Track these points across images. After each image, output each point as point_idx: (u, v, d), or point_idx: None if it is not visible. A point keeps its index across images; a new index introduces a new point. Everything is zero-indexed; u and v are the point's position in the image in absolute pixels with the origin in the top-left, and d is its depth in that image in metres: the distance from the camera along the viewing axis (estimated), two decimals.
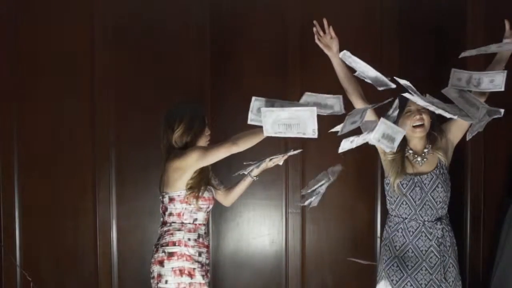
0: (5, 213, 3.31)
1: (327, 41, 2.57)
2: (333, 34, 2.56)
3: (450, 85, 2.36)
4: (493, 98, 2.49)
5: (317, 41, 2.58)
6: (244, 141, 2.47)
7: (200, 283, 2.53)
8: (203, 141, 2.64)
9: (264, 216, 3.38)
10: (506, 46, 2.34)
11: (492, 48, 2.34)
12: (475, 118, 2.26)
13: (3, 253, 3.30)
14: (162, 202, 2.61)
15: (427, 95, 2.42)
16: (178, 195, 2.54)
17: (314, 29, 2.58)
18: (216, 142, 2.66)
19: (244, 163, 2.67)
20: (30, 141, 3.31)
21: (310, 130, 2.12)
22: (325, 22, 2.56)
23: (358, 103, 2.62)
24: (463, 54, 2.40)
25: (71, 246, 3.34)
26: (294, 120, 2.16)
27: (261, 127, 2.38)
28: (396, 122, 2.59)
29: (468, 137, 2.35)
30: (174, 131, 2.58)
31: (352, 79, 2.60)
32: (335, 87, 3.24)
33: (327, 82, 3.30)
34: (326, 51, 2.58)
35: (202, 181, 2.56)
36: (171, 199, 2.56)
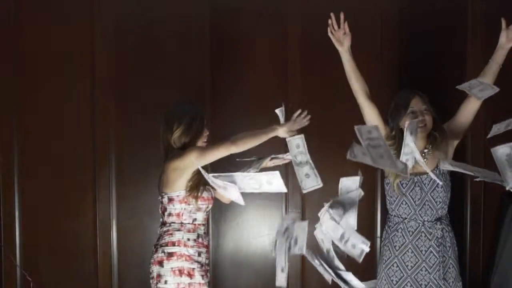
0: (5, 213, 3.31)
1: (340, 36, 2.56)
2: (347, 29, 2.55)
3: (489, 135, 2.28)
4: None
5: (329, 34, 2.58)
6: (244, 141, 2.46)
7: (199, 283, 2.53)
8: (200, 142, 2.64)
9: (264, 216, 3.38)
10: (487, 92, 2.30)
11: (474, 91, 2.30)
12: (506, 183, 2.14)
13: (3, 253, 3.31)
14: (161, 202, 2.61)
15: (441, 160, 2.37)
16: (177, 195, 2.54)
17: (329, 21, 2.57)
18: (215, 142, 2.66)
19: (238, 160, 2.65)
20: (30, 142, 3.31)
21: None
22: (341, 16, 2.55)
23: (364, 102, 2.62)
24: (458, 87, 2.38)
25: (71, 246, 3.34)
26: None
27: (262, 129, 2.48)
28: (398, 121, 2.59)
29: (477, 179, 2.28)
30: (173, 131, 2.58)
31: (360, 77, 2.59)
32: (335, 87, 3.27)
33: (327, 82, 3.32)
34: (337, 45, 2.58)
35: (201, 181, 2.55)
36: (170, 200, 2.56)
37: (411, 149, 2.09)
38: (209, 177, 1.85)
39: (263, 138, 2.51)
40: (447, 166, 2.25)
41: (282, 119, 2.60)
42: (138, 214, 3.34)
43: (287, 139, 2.16)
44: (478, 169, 2.23)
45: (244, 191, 1.88)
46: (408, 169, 1.98)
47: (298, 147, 2.17)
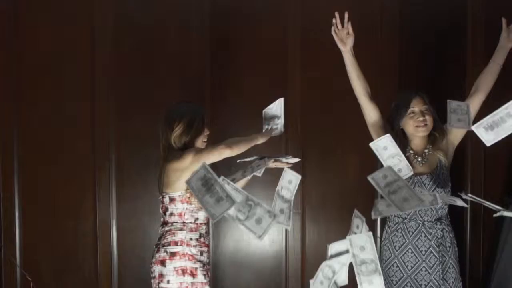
0: (5, 213, 3.31)
1: (343, 36, 2.56)
2: (350, 30, 2.55)
3: None
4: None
5: (333, 33, 2.57)
6: (238, 145, 2.45)
7: (202, 283, 2.53)
8: (200, 141, 2.63)
9: None
10: (461, 124, 2.18)
11: (453, 115, 2.20)
12: None
13: (3, 253, 3.31)
14: (162, 202, 2.60)
15: (466, 194, 2.32)
16: (179, 195, 2.54)
17: (333, 20, 2.56)
18: (215, 142, 2.66)
19: (238, 161, 2.63)
20: (30, 141, 3.31)
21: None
22: (345, 16, 2.54)
23: (365, 102, 2.63)
24: (449, 101, 2.31)
25: (71, 246, 3.34)
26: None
27: (257, 133, 2.45)
28: (399, 121, 2.59)
29: (496, 214, 2.24)
30: (173, 130, 2.57)
31: (361, 77, 2.59)
32: (334, 87, 3.27)
33: (327, 82, 3.32)
34: (340, 45, 2.57)
35: None
36: (172, 199, 2.56)
37: (398, 158, 2.03)
38: (219, 180, 1.79)
39: (253, 143, 2.50)
40: (467, 197, 2.21)
41: (278, 112, 2.57)
42: (138, 214, 3.34)
43: (285, 169, 2.13)
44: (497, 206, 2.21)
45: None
46: (438, 199, 1.94)
47: (290, 182, 2.13)
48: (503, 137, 1.98)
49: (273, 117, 2.61)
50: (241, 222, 1.76)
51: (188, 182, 1.79)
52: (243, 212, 1.76)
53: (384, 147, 2.02)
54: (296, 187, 2.09)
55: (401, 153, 1.99)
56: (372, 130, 2.68)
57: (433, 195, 1.92)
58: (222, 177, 1.80)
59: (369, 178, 1.82)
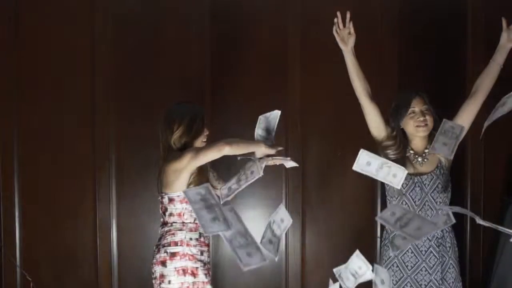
0: (5, 213, 3.31)
1: (344, 35, 2.56)
2: (352, 29, 2.55)
3: None
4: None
5: (334, 32, 2.57)
6: (238, 144, 2.35)
7: (203, 282, 2.53)
8: (200, 141, 2.62)
9: (264, 216, 3.38)
10: (444, 149, 2.07)
11: (441, 137, 2.10)
12: None
13: (3, 253, 3.31)
14: (162, 202, 2.60)
15: (480, 219, 2.29)
16: (178, 196, 2.54)
17: (335, 19, 2.56)
18: (211, 142, 2.65)
19: (239, 159, 2.61)
20: (30, 141, 3.31)
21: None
22: (347, 15, 2.54)
23: (366, 101, 2.62)
24: (445, 120, 2.20)
25: (71, 246, 3.34)
26: None
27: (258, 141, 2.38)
28: (399, 121, 2.59)
29: None
30: (174, 132, 2.57)
31: (362, 77, 2.59)
32: (334, 87, 3.27)
33: (327, 82, 3.32)
34: (341, 45, 2.57)
35: (201, 182, 2.54)
36: (171, 200, 2.55)
37: (387, 166, 1.97)
38: (221, 205, 1.79)
39: (249, 149, 2.38)
40: (481, 222, 2.20)
41: (271, 125, 2.48)
42: (138, 214, 3.34)
43: (280, 205, 2.11)
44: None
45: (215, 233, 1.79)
46: (452, 217, 1.92)
47: (282, 221, 2.11)
48: (485, 126, 1.96)
49: (267, 129, 2.50)
50: (233, 247, 1.76)
51: (185, 192, 1.79)
52: (238, 241, 1.76)
53: (367, 163, 1.92)
54: (286, 229, 2.09)
55: (386, 160, 1.93)
56: (373, 130, 2.68)
57: (446, 215, 1.91)
58: (224, 201, 1.80)
59: (377, 219, 1.83)
